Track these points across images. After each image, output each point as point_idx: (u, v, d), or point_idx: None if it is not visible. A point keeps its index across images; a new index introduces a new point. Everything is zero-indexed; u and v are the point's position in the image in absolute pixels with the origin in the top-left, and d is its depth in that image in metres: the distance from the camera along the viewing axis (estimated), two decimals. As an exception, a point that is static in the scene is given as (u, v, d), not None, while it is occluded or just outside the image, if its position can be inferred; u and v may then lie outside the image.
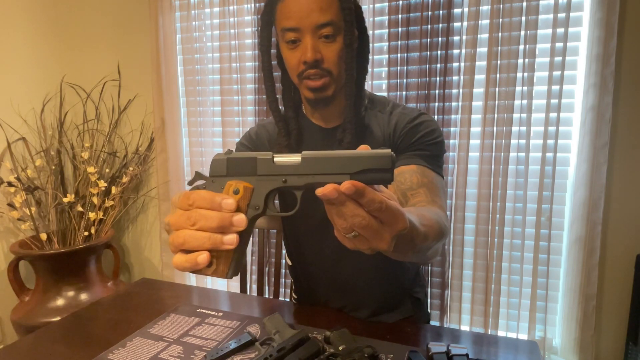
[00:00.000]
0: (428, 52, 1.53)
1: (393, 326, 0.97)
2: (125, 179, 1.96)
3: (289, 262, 1.14)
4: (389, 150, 0.46)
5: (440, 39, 1.51)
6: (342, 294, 1.02)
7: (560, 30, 1.40)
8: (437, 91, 1.55)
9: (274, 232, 1.51)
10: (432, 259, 0.88)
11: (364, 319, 0.98)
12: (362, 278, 0.98)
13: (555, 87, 1.43)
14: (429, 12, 1.51)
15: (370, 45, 1.27)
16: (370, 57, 0.90)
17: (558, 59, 1.41)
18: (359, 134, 0.86)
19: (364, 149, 0.47)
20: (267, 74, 0.86)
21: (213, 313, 1.03)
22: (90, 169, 1.88)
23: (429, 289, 1.65)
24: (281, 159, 0.48)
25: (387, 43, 1.59)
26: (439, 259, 1.63)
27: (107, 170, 2.03)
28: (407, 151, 0.86)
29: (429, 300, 1.58)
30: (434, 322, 1.66)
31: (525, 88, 1.46)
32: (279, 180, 0.48)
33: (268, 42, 0.85)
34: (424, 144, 0.86)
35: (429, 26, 1.52)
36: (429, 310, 1.14)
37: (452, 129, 1.56)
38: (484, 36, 1.49)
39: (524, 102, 1.47)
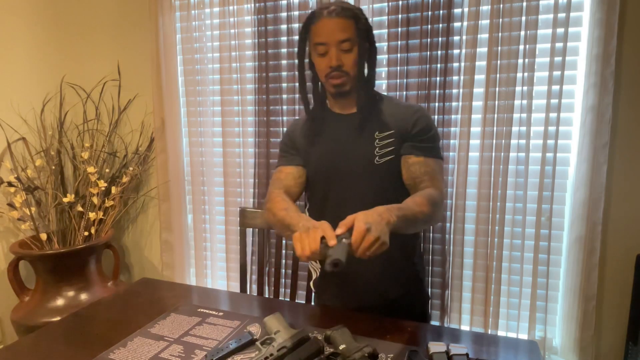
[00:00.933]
0: (428, 52, 1.53)
1: (393, 326, 0.97)
2: (125, 179, 1.96)
3: None
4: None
5: (440, 39, 1.51)
6: (365, 275, 1.18)
7: (560, 30, 1.40)
8: (437, 91, 1.55)
9: (274, 232, 1.51)
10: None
11: (379, 297, 1.16)
12: (380, 261, 1.12)
13: (555, 87, 1.43)
14: (429, 12, 1.51)
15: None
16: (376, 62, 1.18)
17: (558, 59, 1.41)
18: (367, 119, 1.16)
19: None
20: (301, 77, 1.17)
21: (213, 313, 1.03)
22: (90, 169, 1.88)
23: (430, 289, 1.65)
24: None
25: (386, 43, 1.59)
26: (439, 258, 1.63)
27: (107, 170, 2.03)
28: (414, 141, 1.13)
29: (429, 290, 1.65)
30: (434, 322, 1.66)
31: (525, 88, 1.46)
32: None
33: (303, 53, 1.16)
34: (426, 137, 1.14)
35: (429, 26, 1.52)
36: (429, 294, 1.34)
37: (452, 129, 1.56)
38: (484, 36, 1.49)
39: (524, 102, 1.47)
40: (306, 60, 1.17)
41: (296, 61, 1.68)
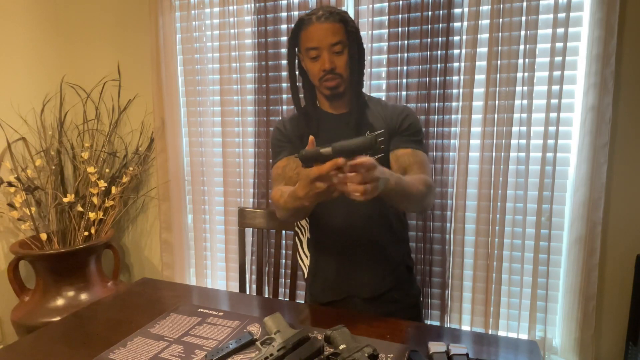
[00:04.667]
0: (428, 52, 1.53)
1: (393, 326, 0.97)
2: (125, 179, 1.96)
3: (308, 235, 1.30)
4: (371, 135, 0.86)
5: (440, 39, 1.51)
6: (355, 263, 1.20)
7: (560, 30, 1.40)
8: (437, 91, 1.55)
9: (274, 231, 1.51)
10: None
11: (369, 286, 1.18)
12: (370, 249, 1.20)
13: (555, 87, 1.43)
14: (429, 12, 1.51)
15: (370, 45, 1.62)
16: (365, 63, 1.23)
17: (558, 59, 1.41)
18: (360, 118, 1.19)
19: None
20: (292, 81, 1.20)
21: (213, 313, 1.03)
22: (90, 169, 1.88)
23: (430, 289, 1.65)
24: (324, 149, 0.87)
25: (386, 43, 1.59)
26: (439, 258, 1.63)
27: (107, 170, 2.03)
28: (402, 136, 1.19)
29: (429, 290, 1.67)
30: (434, 322, 1.66)
31: (525, 88, 1.46)
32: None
33: (293, 58, 1.19)
34: (413, 132, 1.20)
35: (429, 26, 1.52)
36: (420, 287, 1.36)
37: (452, 129, 1.56)
38: (484, 36, 1.49)
39: (524, 102, 1.47)
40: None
41: (297, 61, 1.71)
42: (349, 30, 1.12)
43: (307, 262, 1.30)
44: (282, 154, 1.24)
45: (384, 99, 1.51)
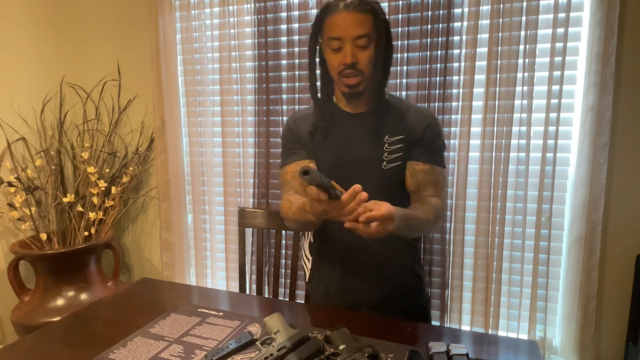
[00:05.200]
0: (428, 52, 1.53)
1: (393, 326, 0.97)
2: (125, 179, 1.96)
3: (311, 239, 1.26)
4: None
5: (440, 39, 1.51)
6: (359, 270, 1.15)
7: (560, 30, 1.40)
8: (437, 91, 1.55)
9: (273, 231, 1.51)
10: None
11: (373, 294, 1.13)
12: (374, 257, 1.14)
13: (555, 87, 1.43)
14: (429, 12, 1.51)
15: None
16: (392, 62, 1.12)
17: (558, 59, 1.41)
18: (379, 121, 1.11)
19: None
20: (311, 70, 1.11)
21: (213, 313, 1.03)
22: (90, 169, 1.88)
23: (430, 289, 1.65)
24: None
25: (387, 43, 1.59)
26: (439, 258, 1.63)
27: (107, 170, 2.03)
28: (422, 147, 1.12)
29: (429, 289, 1.65)
30: (434, 322, 1.66)
31: (525, 88, 1.46)
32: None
33: (315, 46, 1.09)
34: (435, 144, 1.13)
35: (429, 26, 1.52)
36: (429, 295, 1.32)
37: (452, 129, 1.56)
38: (484, 36, 1.49)
39: (524, 102, 1.47)
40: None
41: (297, 61, 1.71)
42: (378, 23, 1.02)
43: (309, 265, 1.26)
44: (292, 157, 1.18)
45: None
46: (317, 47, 1.09)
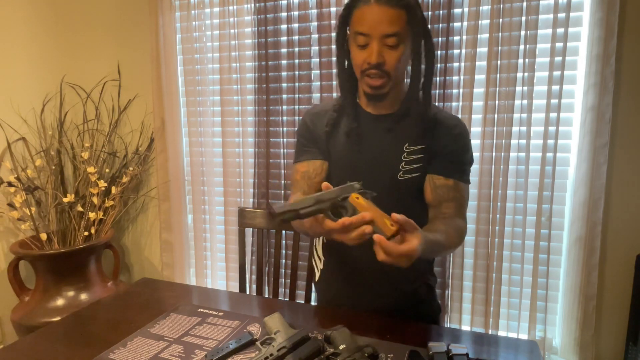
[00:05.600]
0: (428, 52, 1.53)
1: (393, 326, 0.97)
2: (125, 179, 1.96)
3: (325, 240, 1.20)
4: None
5: (440, 39, 1.51)
6: (371, 278, 1.10)
7: (560, 30, 1.40)
8: (437, 91, 1.55)
9: (273, 232, 1.51)
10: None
11: (384, 304, 1.08)
12: (388, 266, 1.06)
13: (555, 87, 1.43)
14: (429, 12, 1.51)
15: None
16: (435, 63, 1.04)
17: (558, 59, 1.41)
18: (406, 127, 1.02)
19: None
20: (340, 64, 1.03)
21: (213, 313, 1.03)
22: (90, 169, 1.88)
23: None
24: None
25: (387, 43, 1.58)
26: (439, 258, 1.63)
27: (107, 170, 2.03)
28: (447, 160, 1.03)
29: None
30: (434, 322, 1.66)
31: (525, 88, 1.46)
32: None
33: (343, 38, 1.00)
34: (461, 158, 1.05)
35: (429, 26, 1.52)
36: (440, 305, 1.25)
37: (452, 129, 1.56)
38: (484, 36, 1.49)
39: (524, 102, 1.47)
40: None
41: (297, 61, 1.70)
42: (413, 20, 0.92)
43: (320, 265, 1.21)
44: (304, 155, 1.11)
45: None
46: (346, 40, 1.01)
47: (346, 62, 1.04)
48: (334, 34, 1.09)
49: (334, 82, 1.65)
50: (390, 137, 1.03)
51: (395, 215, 0.75)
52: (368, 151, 1.04)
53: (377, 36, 0.91)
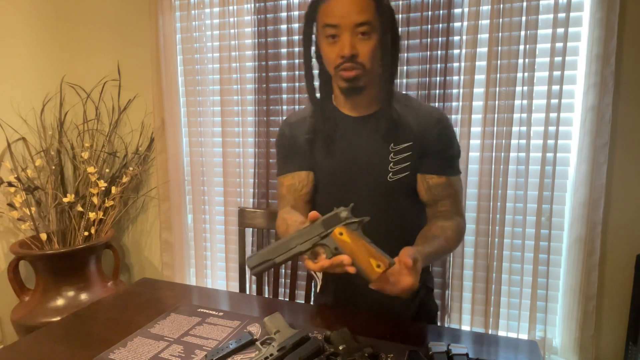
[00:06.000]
0: (428, 52, 1.53)
1: (393, 326, 0.97)
2: (125, 179, 1.96)
3: None
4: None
5: (440, 39, 1.51)
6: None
7: (560, 30, 1.40)
8: (437, 91, 1.55)
9: (274, 231, 1.51)
10: None
11: (378, 303, 1.03)
12: None
13: (555, 87, 1.43)
14: (429, 12, 1.51)
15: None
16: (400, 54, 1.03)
17: (558, 59, 1.41)
18: (387, 126, 0.98)
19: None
20: (307, 65, 0.97)
21: (213, 313, 1.03)
22: (90, 169, 1.88)
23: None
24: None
25: (387, 43, 1.58)
26: (439, 259, 1.63)
27: (107, 170, 2.03)
28: (437, 158, 1.00)
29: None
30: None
31: (525, 88, 1.46)
32: None
33: (309, 37, 0.95)
34: (449, 153, 1.02)
35: (429, 26, 1.52)
36: (437, 305, 1.24)
37: (452, 129, 1.56)
38: (484, 36, 1.49)
39: (524, 102, 1.47)
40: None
41: (297, 61, 1.69)
42: (382, 8, 0.89)
43: (320, 275, 1.19)
44: (288, 167, 1.08)
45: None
46: (313, 40, 0.96)
47: (318, 65, 1.00)
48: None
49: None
50: (374, 138, 0.99)
51: (406, 260, 0.74)
52: (353, 156, 1.00)
53: (348, 26, 0.87)
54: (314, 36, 0.98)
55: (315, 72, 1.02)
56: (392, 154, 0.99)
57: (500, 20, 1.45)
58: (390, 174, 0.99)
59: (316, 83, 1.01)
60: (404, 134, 0.98)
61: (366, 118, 1.00)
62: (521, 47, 1.44)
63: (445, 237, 0.93)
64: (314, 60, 1.00)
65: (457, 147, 1.05)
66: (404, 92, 1.53)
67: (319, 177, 1.06)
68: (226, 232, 1.94)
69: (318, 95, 1.02)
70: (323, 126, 1.01)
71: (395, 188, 1.00)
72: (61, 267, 1.77)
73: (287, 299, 1.59)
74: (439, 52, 1.52)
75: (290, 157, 1.08)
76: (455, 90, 1.54)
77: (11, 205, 1.81)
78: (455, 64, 1.53)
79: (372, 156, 1.00)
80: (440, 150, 1.00)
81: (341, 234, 0.74)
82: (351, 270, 0.71)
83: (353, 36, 0.88)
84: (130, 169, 1.99)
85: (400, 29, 1.54)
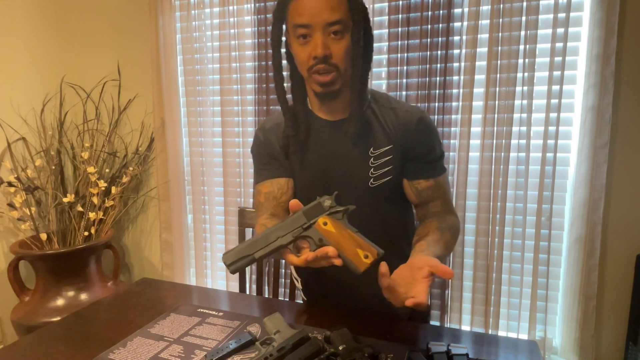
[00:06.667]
0: (428, 52, 1.53)
1: (393, 326, 0.97)
2: (125, 179, 1.96)
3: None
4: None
5: (440, 39, 1.51)
6: (353, 290, 1.06)
7: (560, 30, 1.40)
8: (437, 91, 1.55)
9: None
10: None
11: (368, 299, 1.02)
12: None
13: (555, 87, 1.43)
14: (429, 12, 1.51)
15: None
16: (373, 55, 0.96)
17: (558, 59, 1.41)
18: (363, 129, 0.94)
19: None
20: (277, 68, 0.93)
21: (213, 313, 1.03)
22: (90, 169, 1.88)
23: (430, 289, 1.65)
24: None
25: (387, 43, 1.59)
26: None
27: (107, 170, 2.03)
28: (420, 161, 0.97)
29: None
30: (434, 322, 1.66)
31: (525, 88, 1.46)
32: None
33: (279, 38, 0.91)
34: (433, 154, 0.98)
35: (429, 26, 1.52)
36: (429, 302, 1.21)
37: (452, 129, 1.56)
38: (484, 36, 1.49)
39: (524, 102, 1.47)
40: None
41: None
42: (354, 7, 0.85)
43: (298, 285, 1.19)
44: (265, 174, 1.03)
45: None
46: (283, 40, 0.92)
47: (290, 67, 0.96)
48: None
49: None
50: (351, 144, 0.94)
51: (432, 270, 0.75)
52: (332, 162, 0.97)
53: (320, 25, 0.83)
54: (283, 37, 0.94)
55: (286, 73, 0.97)
56: (372, 159, 0.95)
57: (500, 20, 1.45)
58: (372, 179, 0.96)
59: (287, 85, 0.97)
60: (381, 136, 0.95)
61: (342, 122, 0.96)
62: (521, 47, 1.44)
63: (444, 242, 0.91)
64: (284, 62, 0.95)
65: (440, 145, 1.01)
66: (395, 94, 1.54)
67: (298, 184, 1.03)
68: (226, 232, 1.94)
69: (290, 97, 0.98)
70: (297, 132, 0.96)
71: (377, 194, 0.97)
72: (61, 267, 1.77)
73: (287, 299, 1.59)
74: (439, 52, 1.52)
75: (268, 163, 1.04)
76: (455, 90, 1.54)
77: (11, 205, 1.81)
78: (455, 64, 1.53)
79: (351, 161, 0.96)
80: (424, 152, 0.97)
81: (325, 223, 0.70)
82: (337, 262, 0.67)
83: (325, 36, 0.84)
84: (130, 169, 1.99)
85: (400, 29, 1.55)
